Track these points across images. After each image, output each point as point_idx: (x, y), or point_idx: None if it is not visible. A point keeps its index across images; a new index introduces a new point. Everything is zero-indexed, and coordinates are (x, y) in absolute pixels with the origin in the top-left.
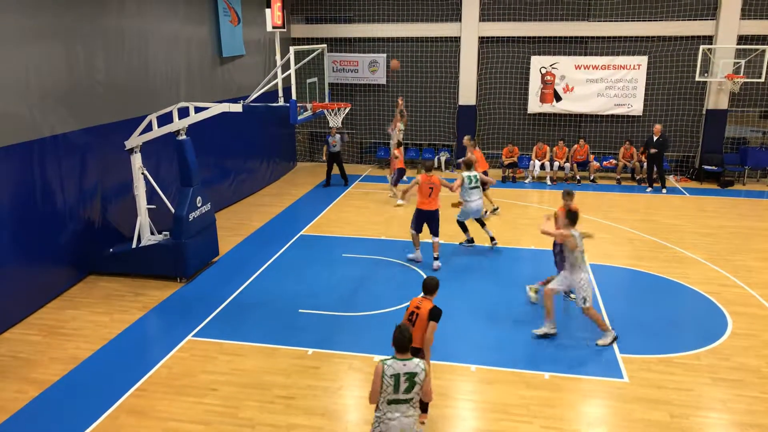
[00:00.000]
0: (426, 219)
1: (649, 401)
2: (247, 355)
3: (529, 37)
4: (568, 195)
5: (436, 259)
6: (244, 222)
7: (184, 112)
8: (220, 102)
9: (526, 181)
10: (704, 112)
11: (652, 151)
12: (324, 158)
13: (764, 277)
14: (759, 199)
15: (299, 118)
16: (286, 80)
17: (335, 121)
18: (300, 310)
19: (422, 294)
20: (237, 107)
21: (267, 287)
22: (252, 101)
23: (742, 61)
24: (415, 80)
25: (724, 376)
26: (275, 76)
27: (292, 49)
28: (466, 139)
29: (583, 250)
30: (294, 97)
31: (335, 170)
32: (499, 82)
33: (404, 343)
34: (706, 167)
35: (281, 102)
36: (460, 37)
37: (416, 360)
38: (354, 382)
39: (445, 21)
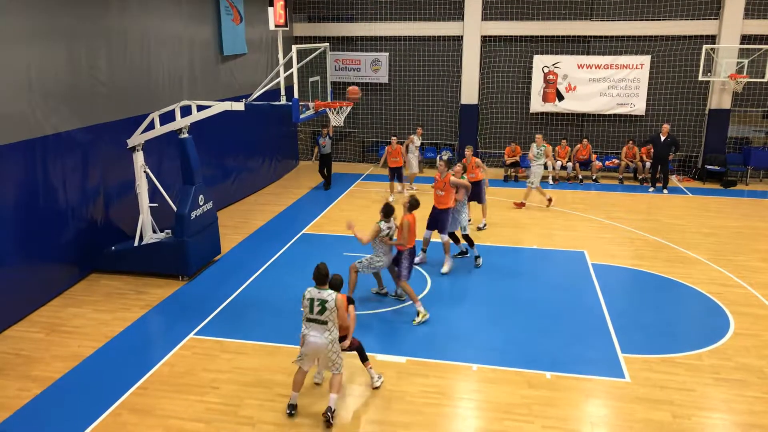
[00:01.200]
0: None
1: (650, 401)
2: (248, 353)
3: (531, 36)
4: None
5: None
6: (246, 220)
7: (186, 111)
8: (223, 100)
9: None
10: (707, 112)
11: (670, 157)
12: (314, 159)
13: (767, 277)
14: (762, 199)
15: (301, 116)
16: (289, 79)
17: (337, 119)
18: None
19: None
20: (239, 106)
21: (268, 286)
22: (254, 100)
23: (746, 61)
24: (418, 79)
25: (726, 377)
26: (277, 75)
27: (294, 47)
28: (467, 149)
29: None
30: (296, 95)
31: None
32: (501, 81)
33: (321, 278)
34: (708, 167)
35: (283, 100)
36: (462, 36)
37: (330, 291)
38: (355, 381)
39: (448, 20)
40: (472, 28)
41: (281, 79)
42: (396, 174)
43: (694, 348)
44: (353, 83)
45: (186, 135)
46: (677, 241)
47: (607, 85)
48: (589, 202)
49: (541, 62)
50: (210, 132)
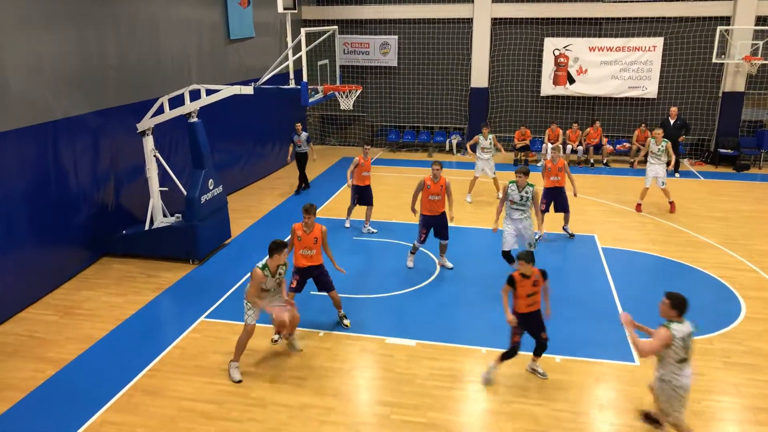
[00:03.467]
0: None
1: None
2: (258, 335)
3: (542, 19)
4: None
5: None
6: (256, 204)
7: (195, 95)
8: (231, 85)
9: (539, 164)
10: (720, 95)
11: (681, 139)
12: (289, 159)
13: None
14: None
15: (310, 100)
16: (297, 62)
17: (347, 103)
18: (311, 292)
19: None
20: (248, 89)
21: None
22: (263, 83)
23: (760, 43)
24: (427, 62)
25: (737, 361)
26: (286, 58)
27: (303, 30)
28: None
29: None
30: (305, 79)
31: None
32: (511, 65)
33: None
34: (721, 151)
35: (292, 84)
36: (472, 19)
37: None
38: (365, 364)
39: (458, 2)
40: (482, 11)
41: (290, 62)
42: (361, 196)
43: (705, 332)
44: (362, 66)
45: (195, 119)
46: (689, 225)
47: (618, 67)
48: (599, 186)
49: (551, 45)
50: (219, 116)
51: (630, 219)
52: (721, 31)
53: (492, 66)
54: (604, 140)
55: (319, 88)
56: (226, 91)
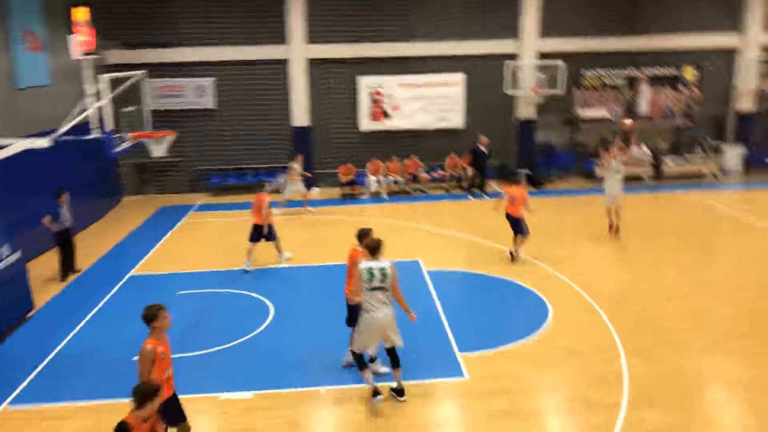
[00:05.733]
0: None
1: (489, 394)
2: (72, 416)
3: (355, 59)
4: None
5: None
6: None
7: None
8: (24, 138)
9: (364, 197)
10: (516, 122)
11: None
12: (54, 242)
13: (573, 265)
14: (565, 196)
15: (117, 150)
16: (101, 110)
17: (159, 150)
18: (134, 359)
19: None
20: (43, 142)
21: (95, 337)
22: (62, 135)
23: (544, 76)
24: (247, 103)
25: (549, 360)
26: (87, 107)
27: (103, 77)
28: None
29: None
30: (109, 128)
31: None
32: (331, 103)
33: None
34: (521, 172)
35: (96, 134)
36: (288, 60)
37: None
38: (199, 426)
39: (272, 44)
40: (297, 52)
41: (91, 110)
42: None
43: (521, 337)
44: (178, 110)
45: None
46: (500, 241)
47: (427, 102)
48: (420, 212)
49: (366, 83)
50: (12, 174)
51: (450, 241)
52: (510, 66)
53: (312, 105)
54: (421, 169)
55: (127, 136)
56: (17, 146)
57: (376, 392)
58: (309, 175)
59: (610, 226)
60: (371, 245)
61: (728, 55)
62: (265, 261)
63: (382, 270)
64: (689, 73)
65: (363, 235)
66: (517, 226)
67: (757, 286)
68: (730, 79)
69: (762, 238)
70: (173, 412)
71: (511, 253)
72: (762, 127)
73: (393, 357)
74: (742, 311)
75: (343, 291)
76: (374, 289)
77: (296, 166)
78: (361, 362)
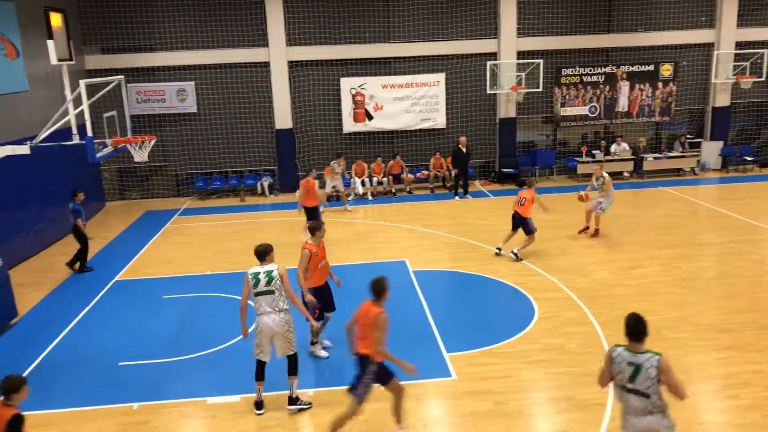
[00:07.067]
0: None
1: (475, 394)
2: (59, 424)
3: (336, 60)
4: None
5: None
6: (48, 274)
7: None
8: (2, 144)
9: (350, 198)
10: (498, 121)
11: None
12: (88, 235)
13: (558, 263)
14: (549, 194)
15: (98, 155)
16: (81, 116)
17: (141, 155)
18: (120, 363)
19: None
20: (23, 149)
21: (80, 344)
22: (42, 141)
23: (523, 74)
24: (229, 106)
25: (535, 358)
26: (66, 113)
27: (82, 82)
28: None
29: None
30: (90, 133)
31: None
32: (313, 104)
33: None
34: (504, 170)
35: (76, 140)
36: (269, 62)
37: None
38: (188, 430)
39: (253, 47)
40: (278, 54)
41: (71, 116)
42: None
43: (508, 337)
44: (159, 114)
45: None
46: (485, 240)
47: (410, 102)
48: (405, 213)
49: (348, 84)
50: None
51: (435, 241)
52: (490, 65)
53: (294, 107)
54: (405, 170)
55: (108, 141)
56: None
57: (259, 405)
58: (347, 176)
59: (586, 228)
60: (257, 251)
61: (704, 51)
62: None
63: (268, 273)
64: (666, 70)
65: (314, 228)
66: (526, 226)
67: (741, 280)
68: (707, 75)
69: (742, 232)
70: (382, 374)
71: (514, 253)
72: (738, 122)
73: (291, 363)
74: (726, 306)
75: None
76: (260, 294)
77: (336, 166)
78: (258, 371)
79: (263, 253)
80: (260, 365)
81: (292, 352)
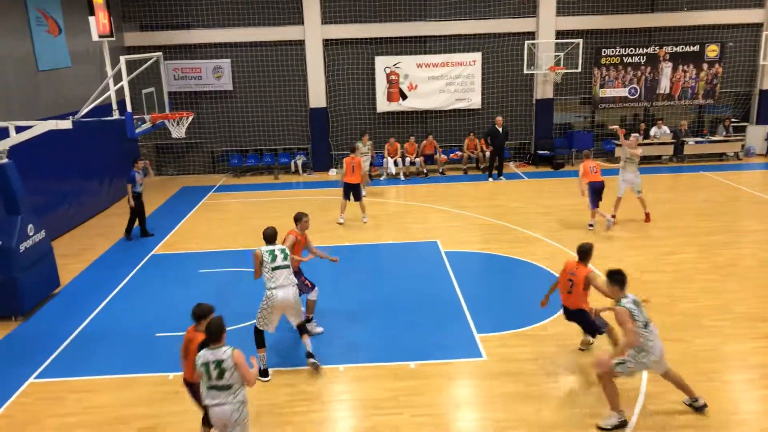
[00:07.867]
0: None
1: (506, 375)
2: (99, 390)
3: (371, 38)
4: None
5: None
6: (88, 247)
7: (3, 134)
8: (47, 119)
9: (382, 178)
10: (534, 102)
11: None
12: (131, 203)
13: (594, 247)
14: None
15: (138, 131)
16: (120, 92)
17: (178, 131)
18: (157, 334)
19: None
20: (66, 124)
21: (118, 314)
22: (83, 116)
23: (561, 54)
24: (264, 84)
25: (568, 342)
26: (107, 89)
27: (122, 58)
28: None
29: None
30: (129, 109)
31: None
32: (347, 83)
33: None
34: (540, 152)
35: (116, 115)
36: (304, 40)
37: (225, 348)
38: None
39: (288, 24)
40: (313, 32)
41: (112, 92)
42: (352, 192)
43: (539, 320)
44: (196, 92)
45: (5, 160)
46: (518, 222)
47: (445, 82)
48: (437, 194)
49: (382, 63)
50: (37, 154)
51: (467, 222)
52: (528, 45)
53: (328, 85)
54: (438, 150)
55: (147, 117)
56: (40, 127)
57: (265, 373)
58: (373, 154)
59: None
60: (266, 234)
61: (753, 31)
62: None
63: (283, 250)
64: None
65: (297, 219)
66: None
67: None
68: (755, 57)
69: None
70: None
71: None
72: None
73: (302, 326)
74: (766, 294)
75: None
76: (278, 268)
77: (360, 145)
78: (259, 339)
79: (273, 236)
80: (260, 333)
81: (303, 319)
